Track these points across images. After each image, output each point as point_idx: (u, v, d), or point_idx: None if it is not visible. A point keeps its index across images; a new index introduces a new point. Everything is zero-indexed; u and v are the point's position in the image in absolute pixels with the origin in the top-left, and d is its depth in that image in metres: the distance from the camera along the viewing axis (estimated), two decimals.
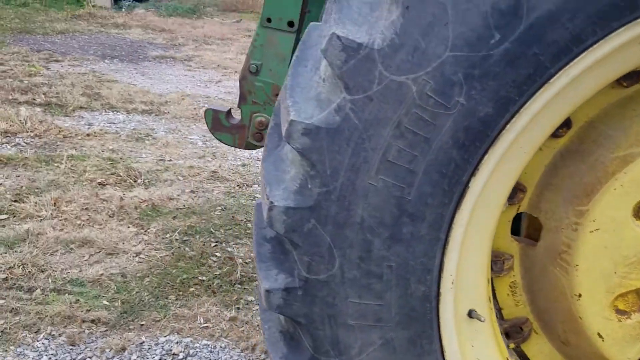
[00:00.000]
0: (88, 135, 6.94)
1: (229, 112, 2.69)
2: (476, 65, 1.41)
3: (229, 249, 4.44)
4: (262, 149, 2.95)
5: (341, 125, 1.52)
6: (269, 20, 2.47)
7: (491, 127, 1.47)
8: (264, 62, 2.52)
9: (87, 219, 4.79)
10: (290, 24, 2.46)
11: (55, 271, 4.02)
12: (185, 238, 4.59)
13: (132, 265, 4.18)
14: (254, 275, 4.10)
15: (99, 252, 4.33)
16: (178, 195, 5.33)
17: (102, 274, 4.02)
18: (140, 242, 4.50)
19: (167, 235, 4.60)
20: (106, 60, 11.41)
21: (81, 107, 8.02)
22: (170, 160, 6.29)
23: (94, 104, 8.21)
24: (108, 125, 7.46)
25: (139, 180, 5.63)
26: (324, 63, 1.59)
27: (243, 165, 6.23)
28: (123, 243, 4.46)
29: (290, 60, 2.57)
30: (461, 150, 1.48)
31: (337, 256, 1.59)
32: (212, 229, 4.73)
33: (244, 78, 2.55)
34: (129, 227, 4.73)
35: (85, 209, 4.96)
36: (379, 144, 1.50)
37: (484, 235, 1.66)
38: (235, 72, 11.06)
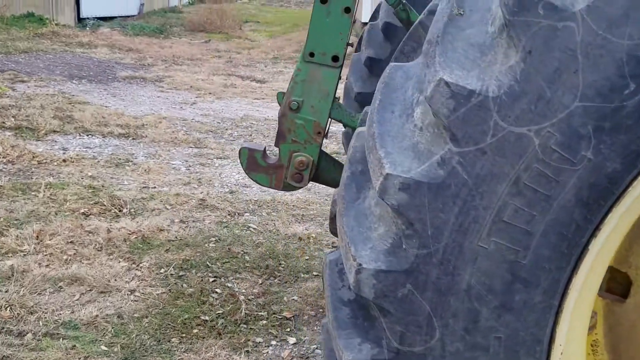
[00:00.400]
0: (64, 160, 6.63)
1: (264, 150, 2.51)
2: (607, 117, 1.27)
3: (229, 285, 4.22)
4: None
5: (446, 180, 1.35)
6: (311, 54, 2.30)
7: (617, 183, 1.32)
8: (305, 99, 2.34)
9: (74, 254, 4.50)
10: (335, 58, 2.30)
11: (46, 313, 3.73)
12: (181, 273, 4.34)
13: (127, 304, 3.92)
14: (260, 313, 3.89)
15: (91, 290, 4.05)
16: (168, 225, 5.08)
17: (96, 315, 3.75)
18: (133, 279, 4.24)
19: (162, 271, 4.35)
20: (74, 81, 11.07)
21: (54, 131, 7.70)
22: (155, 187, 6.03)
23: (67, 128, 7.90)
24: (84, 150, 7.16)
25: (124, 210, 5.36)
26: (421, 110, 1.43)
27: (231, 192, 6.02)
28: (115, 280, 4.20)
29: (334, 97, 2.41)
30: (584, 209, 1.33)
31: (437, 326, 1.42)
32: (208, 263, 4.50)
33: (284, 115, 2.37)
34: (119, 261, 4.46)
35: (71, 242, 4.68)
36: (492, 202, 1.34)
37: (591, 299, 1.51)
38: (209, 93, 10.85)
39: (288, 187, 2.48)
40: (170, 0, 24.34)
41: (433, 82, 1.34)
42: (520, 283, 1.38)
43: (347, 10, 2.24)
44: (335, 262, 1.64)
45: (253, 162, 2.46)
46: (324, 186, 3.47)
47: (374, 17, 4.11)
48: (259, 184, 2.52)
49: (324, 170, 2.51)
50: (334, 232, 1.82)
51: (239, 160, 2.48)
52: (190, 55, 14.77)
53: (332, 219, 1.77)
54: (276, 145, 2.43)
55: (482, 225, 1.35)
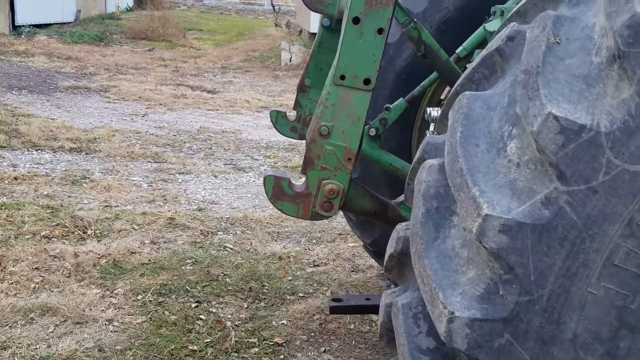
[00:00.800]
0: (16, 178, 6.27)
1: (290, 178, 2.37)
2: None
3: (213, 310, 4.03)
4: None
5: (552, 222, 1.26)
6: (342, 77, 2.18)
7: None
8: (335, 124, 2.22)
9: (42, 281, 4.22)
10: (366, 81, 2.18)
11: (21, 347, 3.46)
12: (160, 299, 4.12)
13: (107, 335, 3.68)
14: (250, 340, 3.72)
15: (65, 321, 3.79)
16: (139, 247, 4.84)
17: (76, 349, 3.50)
18: (109, 307, 4.00)
19: (139, 297, 4.12)
20: (14, 92, 10.56)
21: (0, 146, 7.28)
22: (118, 206, 5.76)
23: (13, 142, 7.50)
24: (35, 166, 6.80)
25: (89, 231, 5.08)
26: (517, 144, 1.34)
27: (199, 209, 5.80)
28: (90, 309, 3.94)
29: (365, 122, 2.30)
30: None
31: None
32: (187, 287, 4.29)
33: (313, 141, 2.23)
34: (91, 288, 4.21)
35: (36, 268, 4.39)
36: (603, 244, 1.25)
37: None
38: (160, 104, 10.52)
39: (316, 217, 2.36)
40: (107, 6, 23.68)
41: (540, 116, 1.24)
42: (626, 329, 1.30)
43: (380, 31, 2.14)
44: (409, 306, 1.53)
45: (279, 191, 2.31)
46: None
47: None
48: (285, 213, 2.37)
49: (352, 198, 2.40)
50: (390, 269, 1.70)
51: (264, 189, 2.33)
52: (134, 63, 14.34)
53: (392, 257, 1.65)
54: (303, 172, 2.29)
55: (592, 269, 1.27)
